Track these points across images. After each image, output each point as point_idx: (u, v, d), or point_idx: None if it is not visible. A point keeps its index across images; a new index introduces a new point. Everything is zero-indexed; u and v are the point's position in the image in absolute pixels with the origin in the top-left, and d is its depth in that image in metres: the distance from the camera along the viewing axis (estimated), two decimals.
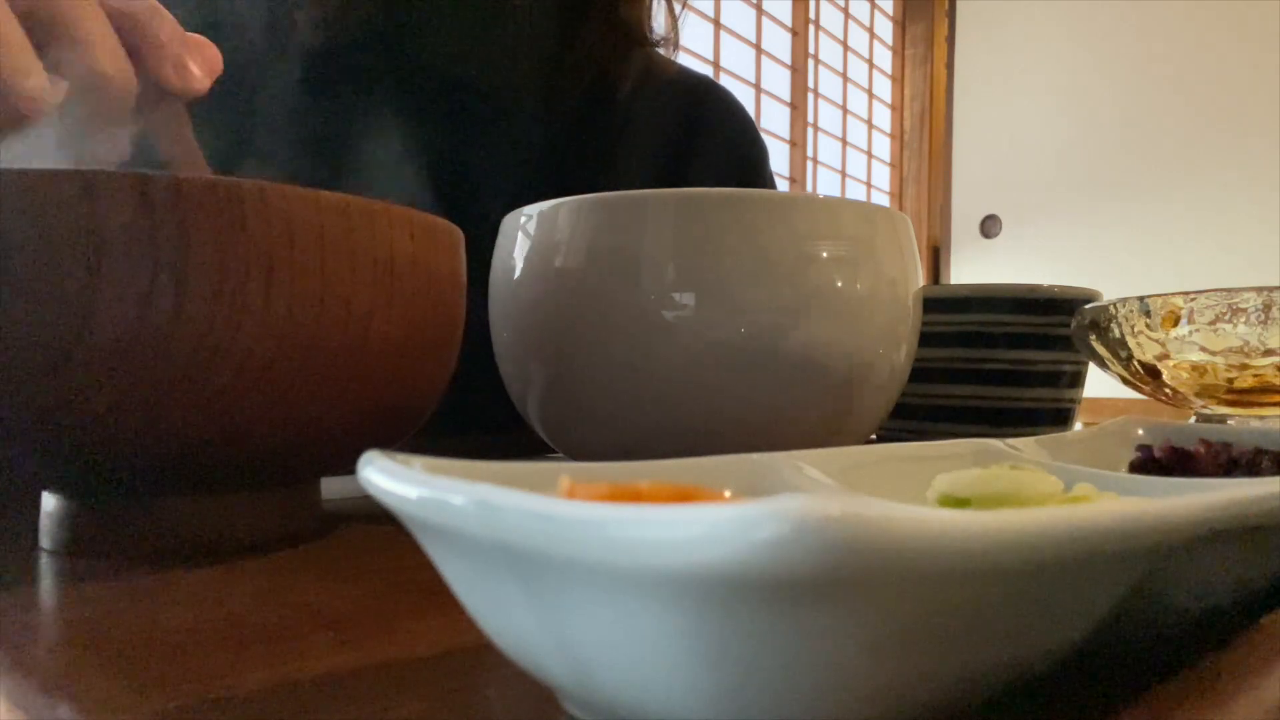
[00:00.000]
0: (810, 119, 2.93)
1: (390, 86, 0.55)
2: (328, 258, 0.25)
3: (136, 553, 0.26)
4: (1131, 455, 0.29)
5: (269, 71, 0.53)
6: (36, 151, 0.28)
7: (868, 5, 3.23)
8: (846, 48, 3.13)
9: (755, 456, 0.22)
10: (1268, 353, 0.40)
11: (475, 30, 0.58)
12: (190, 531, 0.27)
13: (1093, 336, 0.46)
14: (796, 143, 2.88)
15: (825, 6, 3.01)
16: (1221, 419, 0.44)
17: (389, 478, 0.13)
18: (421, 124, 0.55)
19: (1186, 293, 0.41)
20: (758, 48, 2.72)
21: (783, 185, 2.81)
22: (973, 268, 3.29)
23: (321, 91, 0.54)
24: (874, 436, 0.42)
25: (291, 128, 0.53)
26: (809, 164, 2.93)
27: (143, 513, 0.26)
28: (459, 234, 0.32)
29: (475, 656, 0.18)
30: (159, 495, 0.26)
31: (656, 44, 0.66)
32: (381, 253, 0.26)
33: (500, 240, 0.38)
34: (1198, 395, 0.43)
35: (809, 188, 2.89)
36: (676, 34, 0.67)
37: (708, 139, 0.71)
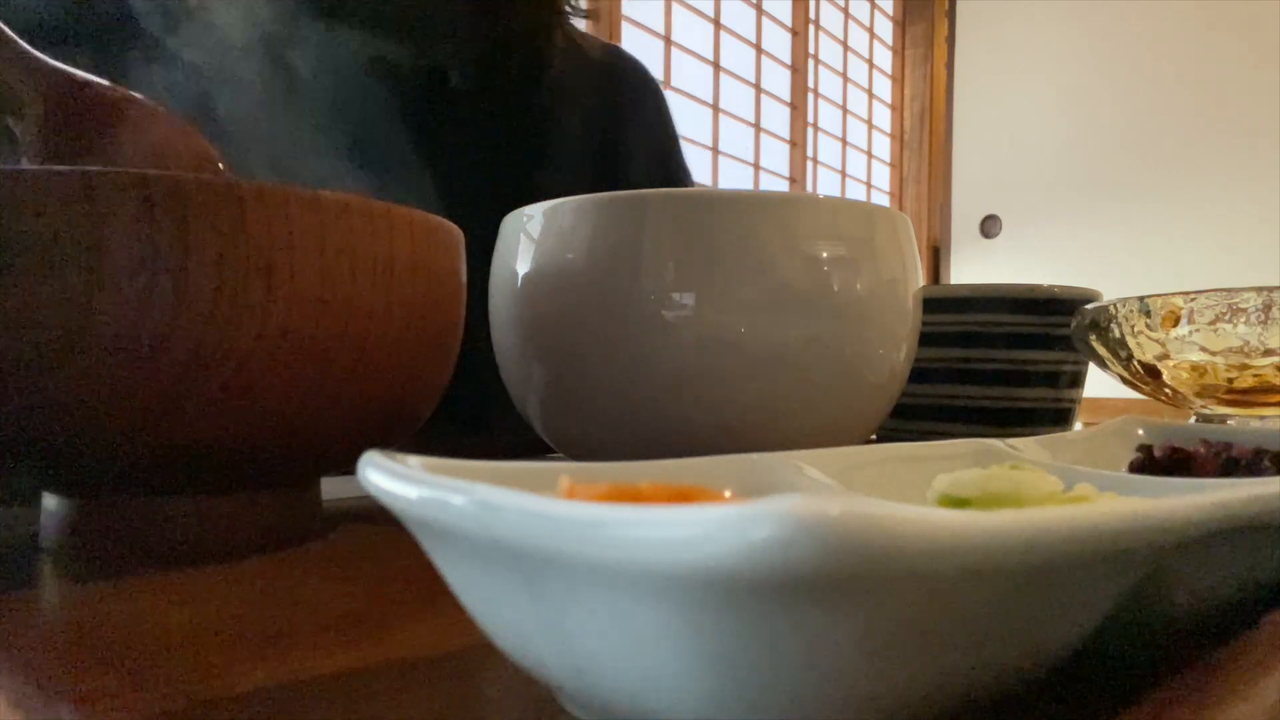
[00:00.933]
0: (810, 119, 2.93)
1: (321, 68, 0.55)
2: (328, 258, 0.25)
3: (136, 553, 0.26)
4: (1131, 455, 0.29)
5: (196, 51, 0.52)
6: None
7: (868, 5, 3.23)
8: (846, 48, 3.12)
9: (755, 456, 0.22)
10: (1268, 353, 0.40)
11: (405, 8, 0.58)
12: (190, 531, 0.27)
13: (1093, 336, 0.46)
14: (796, 143, 2.88)
15: (825, 6, 3.01)
16: (1221, 419, 0.44)
17: (389, 478, 0.13)
18: (355, 106, 0.55)
19: (1186, 293, 0.41)
20: (758, 48, 2.72)
21: (783, 185, 2.81)
22: (973, 268, 3.29)
23: (250, 76, 0.53)
24: (874, 436, 0.42)
25: (215, 110, 0.53)
26: (809, 164, 2.93)
27: (143, 513, 0.26)
28: (459, 234, 0.32)
29: (475, 656, 0.18)
30: (159, 495, 0.26)
31: (582, 15, 0.68)
32: (381, 253, 0.26)
33: (500, 240, 0.38)
34: (1198, 395, 0.43)
35: (809, 188, 2.89)
36: (595, 5, 0.69)
37: (633, 117, 0.73)
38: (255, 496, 0.28)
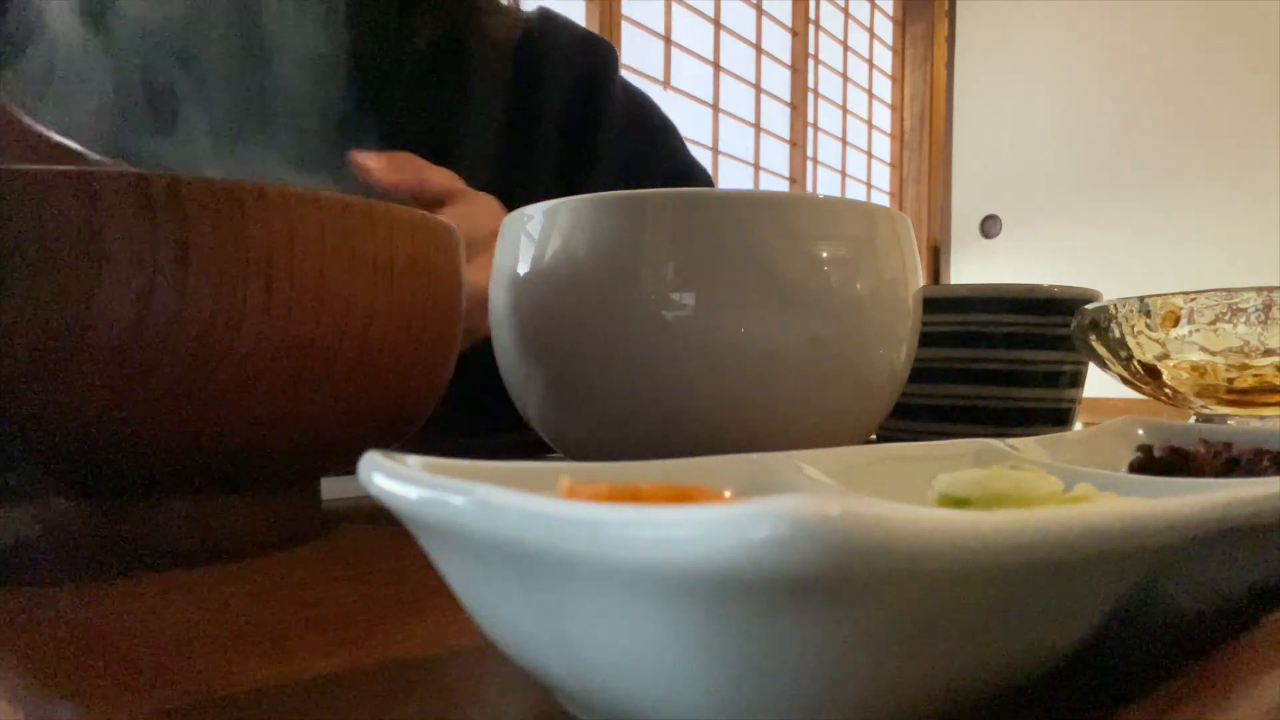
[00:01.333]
0: (810, 119, 2.93)
1: (226, 47, 0.55)
2: (327, 258, 0.25)
3: (137, 553, 0.26)
4: (1131, 455, 0.29)
5: (102, 37, 0.52)
6: None
7: (868, 5, 3.23)
8: (846, 48, 3.13)
9: (755, 456, 0.22)
10: (1268, 353, 0.40)
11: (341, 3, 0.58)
12: (190, 531, 0.27)
13: (1093, 336, 0.46)
14: (796, 143, 2.88)
15: (825, 6, 3.01)
16: (1221, 419, 0.44)
17: (389, 478, 0.13)
18: (268, 83, 0.55)
19: (1186, 293, 0.41)
20: (758, 48, 2.72)
21: (783, 185, 2.81)
22: (973, 268, 3.29)
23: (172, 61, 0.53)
24: (874, 436, 0.42)
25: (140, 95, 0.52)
26: (809, 164, 2.93)
27: (143, 513, 0.26)
28: (459, 234, 0.32)
29: (475, 656, 0.18)
30: (159, 496, 0.26)
31: (496, 12, 0.68)
32: (381, 253, 0.26)
33: (500, 240, 0.38)
34: (1198, 395, 0.43)
35: (809, 188, 2.89)
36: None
37: (551, 68, 0.72)
38: (255, 496, 0.28)
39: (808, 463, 0.22)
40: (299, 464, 0.28)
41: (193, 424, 0.24)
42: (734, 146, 2.63)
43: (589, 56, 0.76)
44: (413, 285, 0.28)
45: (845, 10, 3.11)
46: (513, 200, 0.67)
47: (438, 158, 0.59)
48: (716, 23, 2.54)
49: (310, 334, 0.25)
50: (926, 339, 0.45)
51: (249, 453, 0.26)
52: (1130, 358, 0.44)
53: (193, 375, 0.23)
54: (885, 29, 3.34)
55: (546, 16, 0.75)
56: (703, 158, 2.52)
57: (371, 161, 0.47)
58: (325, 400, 0.26)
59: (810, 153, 2.94)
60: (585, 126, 0.73)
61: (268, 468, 0.27)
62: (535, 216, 0.36)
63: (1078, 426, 0.55)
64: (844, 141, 3.12)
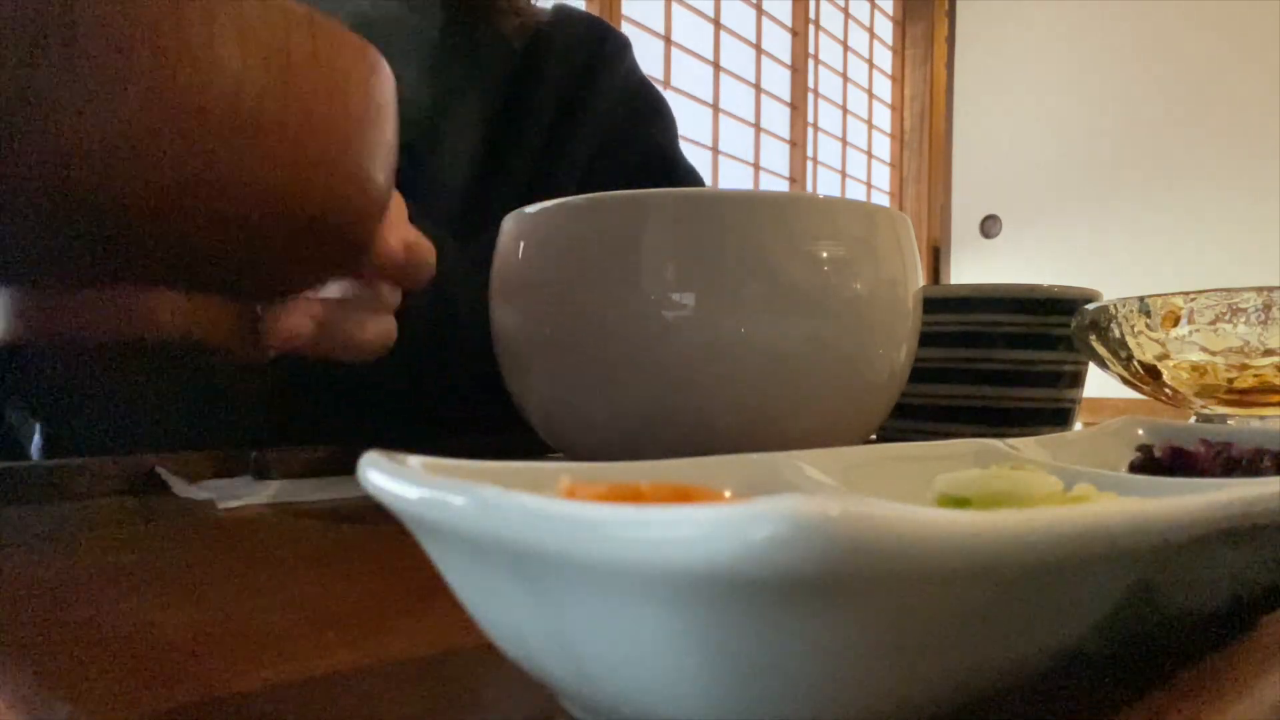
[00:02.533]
0: (810, 119, 2.93)
1: None
2: (216, 36, 0.24)
3: (80, 345, 0.26)
4: (1131, 455, 0.29)
5: None
6: None
7: (868, 5, 3.23)
8: (846, 48, 3.13)
9: (755, 456, 0.22)
10: (1268, 353, 0.40)
11: None
12: (124, 324, 0.26)
13: (1093, 336, 0.46)
14: (796, 143, 2.88)
15: (825, 6, 3.01)
16: (1221, 419, 0.44)
17: (389, 478, 0.13)
18: None
19: (1186, 293, 0.41)
20: (758, 48, 2.72)
21: (783, 185, 2.82)
22: (973, 268, 3.29)
23: None
24: (874, 436, 0.42)
25: None
26: (809, 164, 2.93)
27: (86, 302, 0.26)
28: (375, 52, 0.30)
29: (475, 656, 0.18)
30: (101, 282, 0.26)
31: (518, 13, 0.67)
32: (277, 40, 0.25)
33: (501, 240, 0.38)
34: (1198, 395, 0.43)
35: (809, 188, 2.89)
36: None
37: (556, 51, 0.71)
38: (194, 298, 0.27)
39: (808, 463, 0.22)
40: (209, 257, 0.27)
41: (78, 192, 0.23)
42: (734, 146, 2.63)
43: (596, 43, 0.75)
44: (312, 78, 0.26)
45: (845, 10, 3.11)
46: (502, 171, 0.66)
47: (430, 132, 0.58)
48: (716, 23, 2.54)
49: (197, 103, 0.24)
50: (926, 339, 0.45)
51: (144, 227, 0.25)
52: (1130, 358, 0.44)
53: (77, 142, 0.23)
54: (885, 29, 3.34)
55: (560, 8, 0.75)
56: (703, 158, 2.52)
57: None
58: (217, 180, 0.25)
59: (810, 153, 2.94)
60: (577, 105, 0.72)
61: (173, 254, 0.26)
62: (535, 216, 0.36)
63: (1078, 426, 0.55)
64: (844, 141, 3.13)
